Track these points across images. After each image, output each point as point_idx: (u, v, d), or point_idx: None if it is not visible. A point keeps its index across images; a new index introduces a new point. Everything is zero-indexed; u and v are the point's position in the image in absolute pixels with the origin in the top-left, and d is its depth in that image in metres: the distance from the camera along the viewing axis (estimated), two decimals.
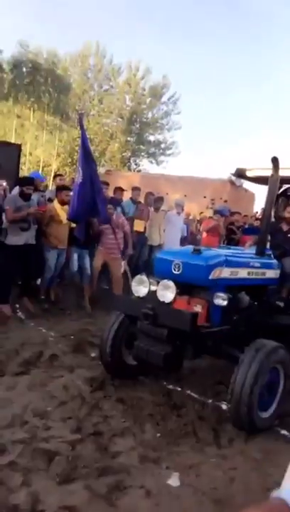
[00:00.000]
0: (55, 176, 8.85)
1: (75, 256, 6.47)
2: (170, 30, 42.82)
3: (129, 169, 24.81)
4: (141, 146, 25.86)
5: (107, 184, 8.37)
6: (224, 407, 3.59)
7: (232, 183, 15.05)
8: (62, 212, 6.12)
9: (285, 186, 5.37)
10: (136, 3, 41.90)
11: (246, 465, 2.87)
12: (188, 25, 42.93)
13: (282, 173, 4.10)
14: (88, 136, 22.74)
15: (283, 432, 3.39)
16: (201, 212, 12.99)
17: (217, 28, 43.99)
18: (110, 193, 8.05)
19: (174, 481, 2.63)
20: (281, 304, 4.40)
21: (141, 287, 3.58)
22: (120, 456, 2.86)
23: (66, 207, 6.11)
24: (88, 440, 2.98)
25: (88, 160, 5.40)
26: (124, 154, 24.96)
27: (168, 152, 26.28)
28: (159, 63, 46.44)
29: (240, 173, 4.96)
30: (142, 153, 26.31)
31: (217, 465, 2.85)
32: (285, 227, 4.82)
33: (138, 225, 7.88)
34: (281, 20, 43.89)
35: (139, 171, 25.13)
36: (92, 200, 5.34)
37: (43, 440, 2.93)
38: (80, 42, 25.67)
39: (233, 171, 4.92)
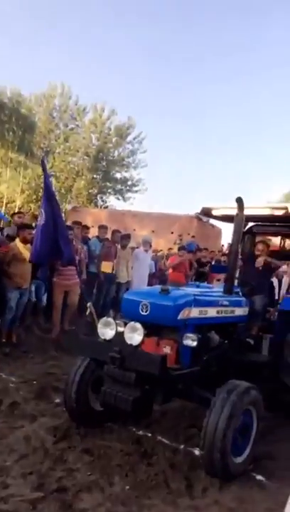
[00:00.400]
0: (13, 214, 8.72)
1: (33, 287, 6.64)
2: (135, 71, 44.68)
3: (96, 205, 24.96)
4: (108, 183, 26.20)
5: (79, 224, 8.32)
6: (196, 452, 3.43)
7: (199, 218, 15.33)
8: (24, 250, 5.96)
9: (250, 224, 5.47)
10: (100, 45, 43.56)
11: None
12: (153, 65, 44.98)
13: (247, 212, 4.18)
14: (53, 173, 22.78)
15: (259, 477, 3.26)
16: (169, 248, 13.08)
17: (182, 67, 46.25)
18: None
19: None
20: (251, 342, 4.36)
21: (107, 330, 3.45)
22: None
23: (29, 245, 5.97)
24: (51, 498, 2.75)
25: (51, 202, 5.37)
26: (90, 191, 25.17)
27: (135, 189, 26.74)
28: (124, 103, 47.98)
29: (206, 212, 5.03)
30: (109, 190, 26.64)
31: None
32: (257, 264, 4.87)
33: (106, 267, 7.82)
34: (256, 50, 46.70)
35: (106, 207, 25.34)
36: (54, 242, 5.25)
37: (1, 500, 2.68)
38: (45, 83, 26.19)
39: (199, 210, 4.98)
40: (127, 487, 2.96)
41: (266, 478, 3.22)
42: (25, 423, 3.81)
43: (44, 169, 6.15)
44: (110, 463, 3.23)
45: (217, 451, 2.95)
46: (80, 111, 25.70)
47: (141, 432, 3.79)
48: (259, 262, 4.81)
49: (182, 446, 3.58)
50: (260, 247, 4.91)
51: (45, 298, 7.13)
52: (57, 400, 4.32)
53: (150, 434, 3.76)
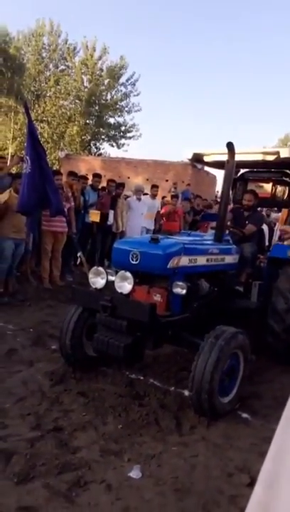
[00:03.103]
0: None
1: (30, 238, 6.66)
2: (127, 9, 41.82)
3: (90, 153, 24.36)
4: (101, 129, 25.37)
5: (75, 175, 8.17)
6: (186, 393, 3.59)
7: (193, 166, 15.06)
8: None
9: (242, 170, 5.37)
10: None
11: (207, 451, 2.90)
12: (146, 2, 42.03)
13: (239, 157, 4.09)
14: (45, 119, 21.90)
15: (244, 415, 3.45)
16: (164, 197, 13.00)
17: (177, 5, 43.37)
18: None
19: (135, 473, 2.61)
20: (241, 289, 4.44)
21: (98, 279, 3.50)
22: (81, 451, 2.81)
23: None
24: (48, 437, 2.91)
25: (36, 148, 5.11)
26: (83, 137, 24.41)
27: (129, 135, 25.95)
28: (116, 43, 45.36)
29: (197, 158, 4.91)
30: (102, 136, 25.85)
31: (178, 453, 2.86)
32: (245, 214, 4.83)
33: (94, 216, 7.72)
34: None
35: (100, 154, 24.75)
36: (42, 191, 5.06)
37: (0, 439, 2.84)
38: (33, 20, 24.56)
39: (190, 156, 4.86)
40: (120, 426, 3.13)
41: (251, 416, 3.40)
42: (22, 368, 3.95)
43: (27, 113, 5.81)
44: (104, 404, 3.40)
45: (204, 392, 3.10)
46: (70, 50, 24.36)
47: (133, 376, 3.95)
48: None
49: (172, 388, 3.76)
50: (248, 197, 4.82)
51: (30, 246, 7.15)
52: (54, 347, 4.45)
53: (142, 378, 3.93)
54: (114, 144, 25.85)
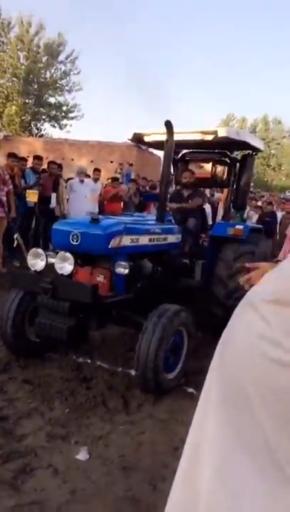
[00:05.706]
0: None
1: None
2: None
3: (31, 134, 23.49)
4: (42, 109, 24.47)
5: (15, 156, 7.79)
6: (133, 373, 3.61)
7: (138, 147, 14.98)
8: None
9: (184, 151, 5.39)
10: None
11: (154, 428, 2.95)
12: None
13: (178, 137, 4.07)
14: None
15: (190, 389, 3.52)
16: (108, 179, 12.83)
17: None
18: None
19: (83, 455, 2.61)
20: (184, 268, 4.50)
21: (37, 261, 3.39)
22: (27, 438, 2.75)
23: None
24: None
25: None
26: (23, 118, 23.45)
27: (71, 115, 25.26)
28: (53, 20, 43.44)
29: (138, 138, 4.85)
30: (43, 117, 24.96)
31: (125, 432, 2.88)
32: (185, 193, 4.88)
33: (32, 195, 7.46)
34: None
35: (42, 135, 23.94)
36: None
37: None
38: None
39: (130, 136, 4.78)
40: (67, 410, 3.09)
41: (195, 390, 3.46)
42: None
43: None
44: (50, 390, 3.34)
45: (150, 370, 3.13)
46: (5, 25, 23.08)
47: (81, 359, 3.91)
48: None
49: (120, 369, 3.76)
50: (187, 175, 4.93)
51: None
52: None
53: (89, 361, 3.90)
54: (56, 125, 25.09)
